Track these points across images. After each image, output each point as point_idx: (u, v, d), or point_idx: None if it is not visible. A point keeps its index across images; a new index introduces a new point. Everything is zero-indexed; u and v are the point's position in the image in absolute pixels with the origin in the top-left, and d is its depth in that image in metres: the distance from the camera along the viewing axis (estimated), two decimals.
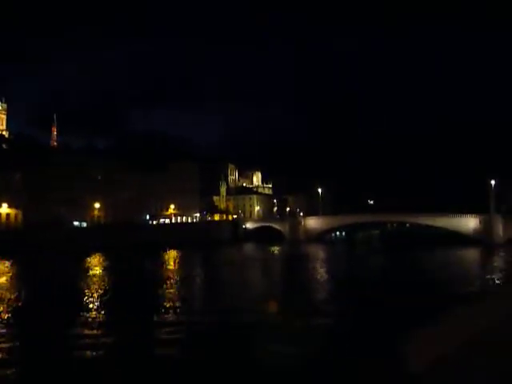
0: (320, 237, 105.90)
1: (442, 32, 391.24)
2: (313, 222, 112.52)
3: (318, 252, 78.55)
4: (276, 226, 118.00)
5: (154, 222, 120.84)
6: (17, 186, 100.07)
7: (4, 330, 24.35)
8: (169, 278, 47.02)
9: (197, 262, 70.17)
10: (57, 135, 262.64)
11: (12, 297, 37.15)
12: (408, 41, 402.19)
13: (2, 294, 38.55)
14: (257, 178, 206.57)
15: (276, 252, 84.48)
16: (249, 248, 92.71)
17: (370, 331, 20.84)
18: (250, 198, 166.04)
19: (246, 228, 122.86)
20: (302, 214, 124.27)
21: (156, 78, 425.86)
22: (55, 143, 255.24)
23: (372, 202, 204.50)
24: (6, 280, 50.48)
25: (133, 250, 79.77)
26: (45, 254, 74.22)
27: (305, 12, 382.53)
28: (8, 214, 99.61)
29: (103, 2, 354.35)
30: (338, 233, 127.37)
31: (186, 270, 56.81)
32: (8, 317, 28.23)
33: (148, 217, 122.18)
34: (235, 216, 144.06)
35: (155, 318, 26.65)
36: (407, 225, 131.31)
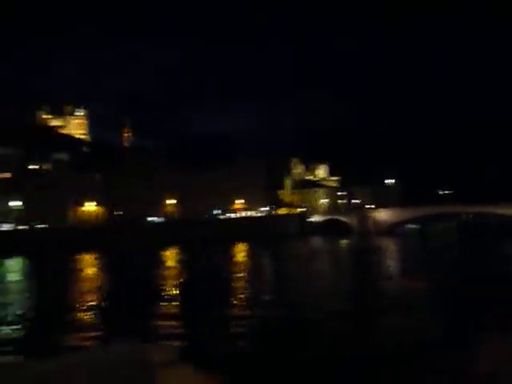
0: (390, 229, 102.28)
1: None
2: (383, 215, 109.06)
3: (390, 245, 75.82)
4: (343, 218, 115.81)
5: (223, 217, 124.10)
6: (99, 185, 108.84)
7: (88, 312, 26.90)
8: (238, 272, 47.94)
9: (264, 255, 70.97)
10: (130, 137, 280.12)
11: (98, 285, 40.70)
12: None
13: (90, 283, 42.45)
14: (322, 171, 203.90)
15: (345, 245, 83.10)
16: (316, 241, 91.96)
17: (450, 327, 20.10)
18: (315, 191, 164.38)
19: (312, 221, 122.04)
20: (369, 206, 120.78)
21: (218, 78, 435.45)
22: (128, 144, 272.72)
23: (444, 193, 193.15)
24: (93, 271, 55.36)
25: (203, 244, 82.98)
26: (125, 248, 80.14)
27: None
28: (93, 211, 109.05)
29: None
30: (409, 225, 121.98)
31: (255, 264, 57.66)
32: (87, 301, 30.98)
33: (217, 212, 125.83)
34: (301, 210, 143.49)
35: (227, 312, 27.32)
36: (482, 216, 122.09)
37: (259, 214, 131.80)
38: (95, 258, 70.39)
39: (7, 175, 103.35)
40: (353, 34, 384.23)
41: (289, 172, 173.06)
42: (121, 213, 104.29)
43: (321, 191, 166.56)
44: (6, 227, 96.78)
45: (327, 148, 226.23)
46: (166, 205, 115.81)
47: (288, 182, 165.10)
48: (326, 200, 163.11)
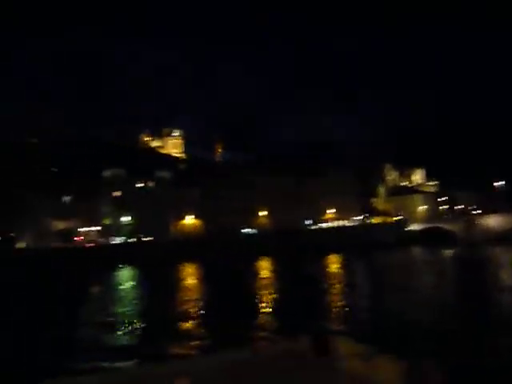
0: (502, 237, 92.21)
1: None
2: (492, 221, 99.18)
3: (502, 255, 68.29)
4: (446, 226, 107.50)
5: (315, 227, 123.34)
6: (197, 199, 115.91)
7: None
8: (332, 284, 46.96)
9: (359, 266, 68.80)
10: (221, 153, 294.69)
11: (199, 293, 42.92)
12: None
13: (192, 292, 44.94)
14: (418, 176, 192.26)
15: (449, 256, 76.80)
16: (416, 252, 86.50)
17: None
18: (412, 197, 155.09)
19: (410, 230, 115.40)
20: (475, 211, 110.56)
21: (300, 84, 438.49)
22: (220, 159, 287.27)
23: None
24: (194, 280, 58.57)
25: (296, 254, 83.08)
26: (222, 258, 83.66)
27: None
28: (192, 224, 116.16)
29: None
30: None
31: (350, 275, 56.05)
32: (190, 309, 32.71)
33: (308, 222, 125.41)
34: (397, 218, 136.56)
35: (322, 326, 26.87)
36: None
37: (352, 224, 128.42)
38: (196, 268, 74.50)
39: (118, 193, 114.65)
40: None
41: (382, 178, 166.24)
42: (217, 225, 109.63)
43: (418, 197, 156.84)
44: (118, 240, 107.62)
45: (421, 150, 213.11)
46: (258, 216, 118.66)
47: (382, 189, 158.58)
48: (425, 207, 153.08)
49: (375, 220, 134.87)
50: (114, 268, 77.98)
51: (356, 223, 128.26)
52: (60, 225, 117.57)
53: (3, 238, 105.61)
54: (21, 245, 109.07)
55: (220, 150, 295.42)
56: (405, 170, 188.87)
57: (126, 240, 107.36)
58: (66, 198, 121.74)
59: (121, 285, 56.97)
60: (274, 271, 64.61)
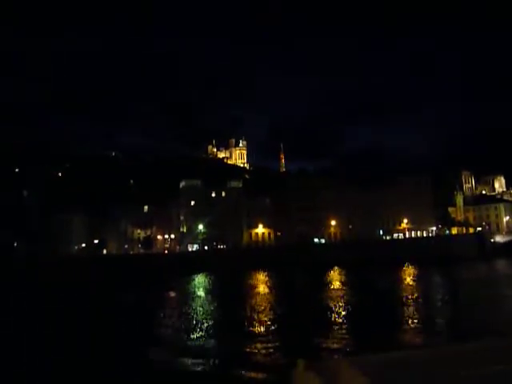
0: None
1: None
2: None
3: None
4: None
5: (388, 238, 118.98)
6: (267, 209, 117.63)
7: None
8: (407, 297, 45.11)
9: (436, 278, 65.19)
10: (285, 162, 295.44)
11: (270, 302, 43.42)
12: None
13: (263, 299, 45.70)
14: (499, 184, 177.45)
15: None
16: (501, 265, 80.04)
17: None
18: (494, 206, 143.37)
19: (494, 242, 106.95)
20: None
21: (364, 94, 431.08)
22: (283, 169, 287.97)
23: None
24: (264, 287, 59.35)
25: (368, 265, 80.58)
26: (293, 267, 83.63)
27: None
28: (263, 233, 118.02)
29: None
30: None
31: (426, 289, 53.22)
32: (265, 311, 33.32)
33: (381, 232, 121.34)
34: (478, 229, 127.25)
35: (397, 338, 26.24)
36: None
37: (428, 234, 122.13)
38: (267, 276, 75.45)
39: (193, 203, 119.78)
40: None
41: (460, 187, 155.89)
42: (287, 235, 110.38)
43: (502, 207, 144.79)
44: (193, 248, 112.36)
45: (500, 155, 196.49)
46: (328, 226, 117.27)
47: (460, 198, 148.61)
48: (510, 217, 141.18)
49: (453, 231, 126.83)
50: (189, 274, 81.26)
51: (432, 234, 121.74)
52: (140, 233, 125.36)
53: (95, 244, 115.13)
54: (105, 251, 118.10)
55: (283, 159, 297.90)
56: (482, 177, 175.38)
57: (200, 247, 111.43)
58: (146, 208, 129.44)
59: (195, 290, 59.36)
60: (346, 282, 63.37)
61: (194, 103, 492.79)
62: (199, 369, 21.40)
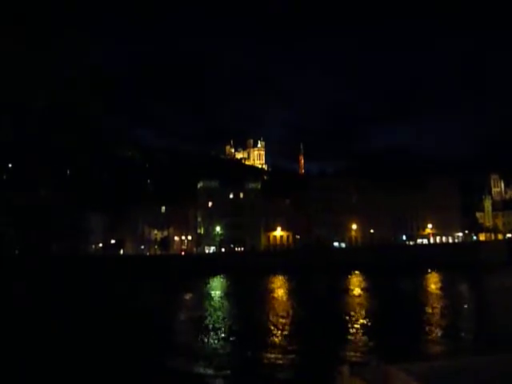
0: None
1: None
2: None
3: None
4: None
5: (411, 243, 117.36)
6: (286, 211, 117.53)
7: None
8: (432, 305, 44.31)
9: (464, 286, 63.75)
10: (304, 163, 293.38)
11: (288, 308, 43.27)
12: None
13: (283, 302, 45.66)
14: None
15: None
16: None
17: None
18: None
19: None
20: None
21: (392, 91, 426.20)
22: (303, 170, 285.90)
23: None
24: (283, 292, 59.26)
25: (390, 271, 79.88)
26: (312, 272, 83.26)
27: None
28: (281, 236, 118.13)
29: None
30: None
31: (452, 297, 52.09)
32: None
33: (404, 237, 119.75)
34: (508, 235, 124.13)
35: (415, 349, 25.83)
36: None
37: (453, 240, 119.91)
38: (285, 280, 75.31)
39: (211, 204, 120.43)
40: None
41: (488, 191, 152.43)
42: (307, 237, 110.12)
43: None
44: (210, 249, 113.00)
45: None
46: (350, 229, 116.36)
47: (488, 203, 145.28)
48: None
49: (481, 237, 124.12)
50: (206, 276, 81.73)
51: (458, 240, 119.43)
52: (157, 233, 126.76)
53: (112, 244, 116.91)
54: (122, 251, 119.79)
55: (303, 160, 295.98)
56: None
57: (218, 249, 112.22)
58: (163, 209, 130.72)
59: (212, 293, 59.70)
60: (367, 289, 62.69)
61: (213, 102, 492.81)
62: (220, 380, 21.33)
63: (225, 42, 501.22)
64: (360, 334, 30.01)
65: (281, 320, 35.98)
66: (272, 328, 32.63)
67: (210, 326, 34.61)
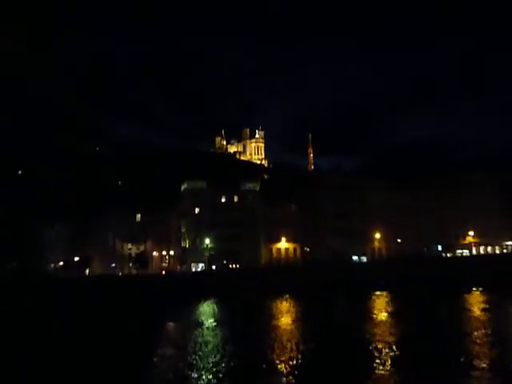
0: None
1: None
2: None
3: None
4: None
5: (448, 254, 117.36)
6: (293, 217, 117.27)
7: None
8: (475, 331, 43.78)
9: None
10: (313, 158, 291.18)
11: (295, 339, 42.74)
12: None
13: (288, 332, 45.12)
14: None
15: None
16: None
17: None
18: None
19: None
20: None
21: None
22: (312, 166, 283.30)
23: None
24: (290, 319, 58.74)
25: (422, 290, 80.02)
26: (325, 292, 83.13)
27: None
28: (286, 249, 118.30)
29: None
30: None
31: (502, 321, 51.70)
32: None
33: (440, 247, 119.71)
34: None
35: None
36: None
37: (501, 251, 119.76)
38: (292, 303, 74.85)
39: (198, 210, 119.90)
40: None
41: None
42: (319, 250, 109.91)
43: None
44: (198, 267, 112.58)
45: None
46: (372, 239, 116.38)
47: None
48: None
49: None
50: (192, 301, 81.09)
51: (508, 250, 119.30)
52: (132, 248, 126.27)
53: (76, 262, 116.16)
54: (88, 270, 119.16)
55: (312, 154, 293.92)
56: None
57: (207, 267, 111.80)
58: (138, 217, 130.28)
59: (200, 322, 59.21)
60: (395, 313, 62.35)
61: (204, 88, 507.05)
62: None
63: (225, 41, 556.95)
64: (387, 373, 29.64)
65: (287, 356, 35.53)
66: (276, 367, 32.20)
67: (197, 366, 34.05)
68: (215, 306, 77.68)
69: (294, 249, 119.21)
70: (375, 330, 47.79)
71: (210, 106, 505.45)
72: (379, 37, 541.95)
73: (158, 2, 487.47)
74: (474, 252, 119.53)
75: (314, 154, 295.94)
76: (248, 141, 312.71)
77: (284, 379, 29.05)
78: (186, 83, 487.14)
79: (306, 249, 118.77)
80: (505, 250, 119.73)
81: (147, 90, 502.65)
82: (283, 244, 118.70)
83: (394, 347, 37.68)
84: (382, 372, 29.84)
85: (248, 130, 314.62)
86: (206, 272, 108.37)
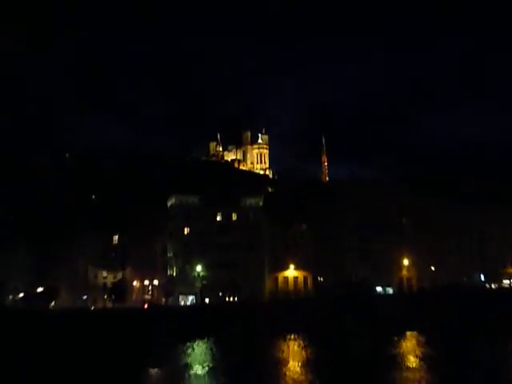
0: None
1: None
2: None
3: None
4: None
5: (494, 286, 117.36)
6: (303, 239, 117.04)
7: None
8: None
9: None
10: (328, 165, 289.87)
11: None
12: None
13: (300, 381, 45.04)
14: None
15: None
16: None
17: None
18: None
19: None
20: None
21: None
22: (327, 177, 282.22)
23: None
24: (299, 364, 58.56)
25: (463, 331, 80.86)
26: (343, 332, 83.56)
27: None
28: (295, 278, 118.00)
29: None
30: None
31: None
32: None
33: (483, 277, 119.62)
34: None
35: None
36: None
37: None
38: (301, 345, 74.78)
39: (187, 230, 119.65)
40: None
41: None
42: (334, 279, 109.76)
43: None
44: (187, 300, 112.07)
45: None
46: (400, 267, 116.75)
47: None
48: None
49: None
50: (181, 341, 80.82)
51: None
52: (107, 277, 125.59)
53: (39, 294, 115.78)
54: (54, 303, 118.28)
55: (326, 162, 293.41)
56: None
57: (199, 299, 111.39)
58: (115, 239, 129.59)
59: (191, 368, 59.14)
60: (429, 357, 62.15)
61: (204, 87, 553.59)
62: None
63: (225, 41, 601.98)
64: None
65: None
66: None
67: None
68: (209, 348, 77.56)
69: (305, 278, 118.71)
70: (405, 378, 47.72)
71: (210, 106, 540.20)
72: (379, 37, 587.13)
73: (158, 2, 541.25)
74: None
75: (328, 160, 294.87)
76: (249, 146, 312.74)
77: None
78: (186, 83, 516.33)
79: (319, 278, 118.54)
80: None
81: (147, 89, 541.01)
82: (291, 272, 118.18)
83: None
84: None
85: (249, 133, 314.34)
86: (198, 306, 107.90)
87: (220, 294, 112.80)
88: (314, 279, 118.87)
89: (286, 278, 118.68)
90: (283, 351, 70.75)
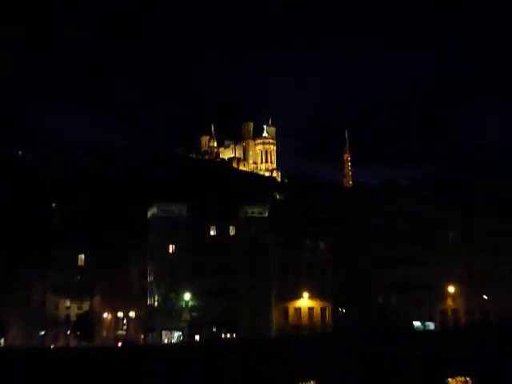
0: None
1: None
2: None
3: None
4: None
5: None
6: (320, 260, 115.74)
7: None
8: None
9: None
10: (351, 168, 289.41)
11: None
12: None
13: None
14: None
15: None
16: None
17: None
18: None
19: None
20: None
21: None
22: (350, 182, 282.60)
23: None
24: None
25: None
26: (370, 376, 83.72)
27: None
28: (310, 310, 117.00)
29: None
30: None
31: None
32: None
33: None
34: None
35: None
36: None
37: None
38: None
39: (172, 248, 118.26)
40: None
41: None
42: (359, 311, 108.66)
43: None
44: (175, 337, 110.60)
45: None
46: (443, 295, 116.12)
47: None
48: None
49: None
50: None
51: None
52: (71, 307, 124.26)
53: None
54: (3, 340, 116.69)
55: (349, 163, 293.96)
56: None
57: (187, 336, 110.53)
58: (81, 258, 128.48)
59: None
60: None
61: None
62: None
63: (225, 42, 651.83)
64: None
65: None
66: None
67: None
68: None
69: (322, 309, 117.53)
70: None
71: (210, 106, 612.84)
72: (379, 37, 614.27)
73: (158, 2, 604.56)
74: None
75: (351, 162, 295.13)
76: (251, 141, 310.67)
77: None
78: (186, 83, 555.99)
79: (340, 309, 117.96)
80: None
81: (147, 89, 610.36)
82: (305, 302, 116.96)
83: None
84: None
85: (251, 124, 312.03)
86: (185, 345, 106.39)
87: (214, 329, 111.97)
88: (334, 311, 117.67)
89: (298, 310, 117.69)
90: None
